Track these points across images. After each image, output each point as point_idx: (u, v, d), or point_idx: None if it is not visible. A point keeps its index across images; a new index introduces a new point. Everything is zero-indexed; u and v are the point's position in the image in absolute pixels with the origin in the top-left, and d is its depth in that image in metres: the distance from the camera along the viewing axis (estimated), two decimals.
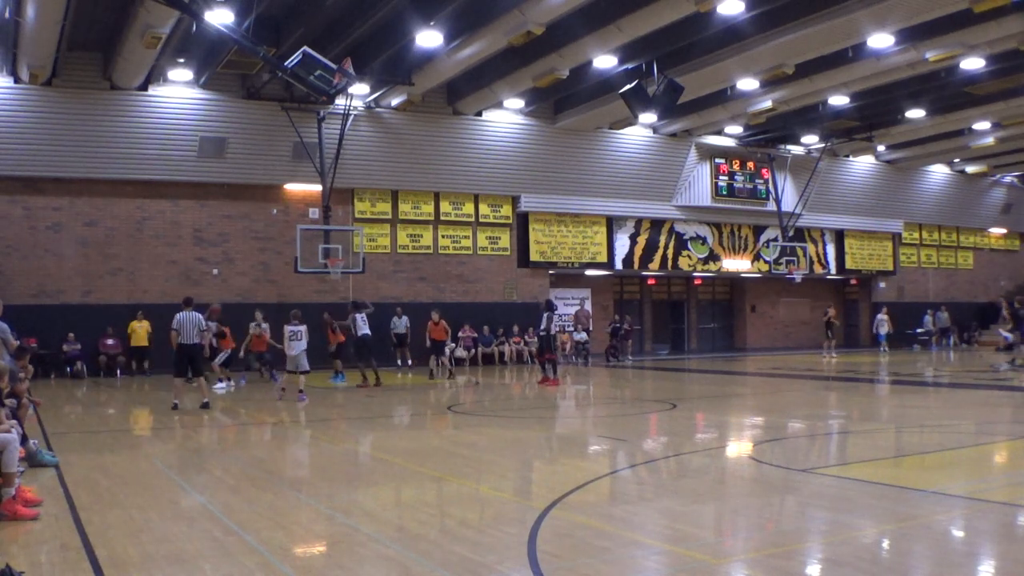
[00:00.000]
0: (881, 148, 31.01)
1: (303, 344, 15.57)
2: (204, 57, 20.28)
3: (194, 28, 16.72)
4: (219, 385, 17.75)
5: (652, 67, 19.18)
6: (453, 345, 25.35)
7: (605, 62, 20.22)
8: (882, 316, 30.74)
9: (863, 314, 35.43)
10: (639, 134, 27.80)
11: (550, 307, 19.37)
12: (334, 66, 12.37)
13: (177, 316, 14.05)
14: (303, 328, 15.74)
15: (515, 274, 27.28)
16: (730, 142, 29.71)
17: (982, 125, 27.41)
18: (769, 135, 29.00)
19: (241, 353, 19.41)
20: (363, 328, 18.28)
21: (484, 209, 26.79)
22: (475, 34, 18.37)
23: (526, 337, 26.59)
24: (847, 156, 32.11)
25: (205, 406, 14.12)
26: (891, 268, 35.22)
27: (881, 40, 18.92)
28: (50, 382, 20.21)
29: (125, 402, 16.92)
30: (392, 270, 25.52)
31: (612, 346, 27.42)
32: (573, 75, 21.37)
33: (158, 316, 22.02)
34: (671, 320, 33.37)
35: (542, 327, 19.28)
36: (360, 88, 22.08)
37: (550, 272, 28.06)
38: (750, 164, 30.32)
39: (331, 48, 18.04)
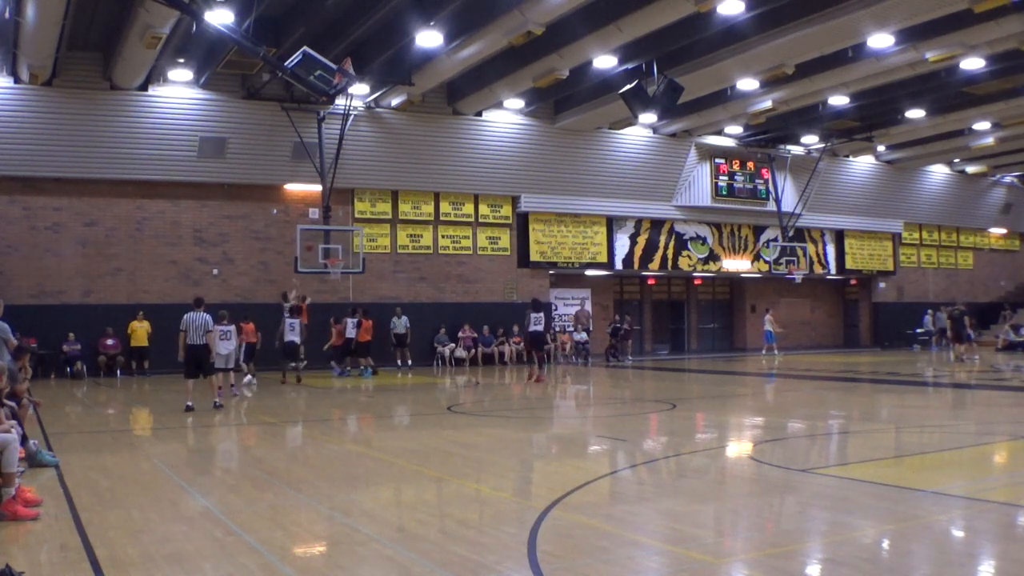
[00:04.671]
0: (881, 148, 30.98)
1: (232, 343, 16.57)
2: (204, 57, 20.28)
3: (194, 28, 16.69)
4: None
5: (652, 67, 19.18)
6: (454, 346, 25.47)
7: (605, 62, 20.21)
8: (768, 317, 30.05)
9: (863, 314, 35.44)
10: (639, 134, 27.79)
11: (538, 307, 19.82)
12: (334, 66, 12.38)
13: (184, 316, 13.96)
14: (232, 328, 16.58)
15: (515, 274, 27.27)
16: (730, 142, 29.70)
17: (982, 125, 27.40)
18: (769, 135, 29.00)
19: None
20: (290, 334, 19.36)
21: (484, 209, 26.78)
22: (475, 34, 18.36)
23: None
24: (847, 156, 32.10)
25: (217, 406, 14.03)
26: (891, 268, 35.21)
27: (881, 40, 18.91)
28: (50, 382, 20.20)
29: (125, 402, 16.93)
30: (392, 270, 25.52)
31: (612, 346, 27.42)
32: (573, 75, 21.37)
33: (158, 316, 22.08)
34: (671, 320, 33.34)
35: (540, 326, 19.65)
36: (360, 88, 22.06)
37: (550, 272, 28.05)
38: (750, 164, 30.31)
39: (331, 48, 18.04)
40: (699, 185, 29.50)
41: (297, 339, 19.39)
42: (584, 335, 26.29)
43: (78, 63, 20.84)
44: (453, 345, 25.65)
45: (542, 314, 19.80)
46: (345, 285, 24.45)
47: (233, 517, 6.40)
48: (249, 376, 19.00)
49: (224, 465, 9.26)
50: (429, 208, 26.02)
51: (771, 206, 30.57)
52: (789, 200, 30.49)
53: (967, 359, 24.22)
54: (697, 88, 21.53)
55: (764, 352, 29.63)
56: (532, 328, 19.59)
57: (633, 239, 29.18)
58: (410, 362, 24.01)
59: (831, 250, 33.62)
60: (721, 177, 29.70)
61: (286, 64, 12.33)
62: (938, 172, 35.05)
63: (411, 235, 25.81)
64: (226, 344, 16.12)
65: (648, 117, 23.44)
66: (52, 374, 21.12)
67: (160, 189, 22.93)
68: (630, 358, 27.88)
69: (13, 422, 7.84)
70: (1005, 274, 39.17)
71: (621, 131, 27.26)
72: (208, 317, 14.01)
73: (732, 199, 30.04)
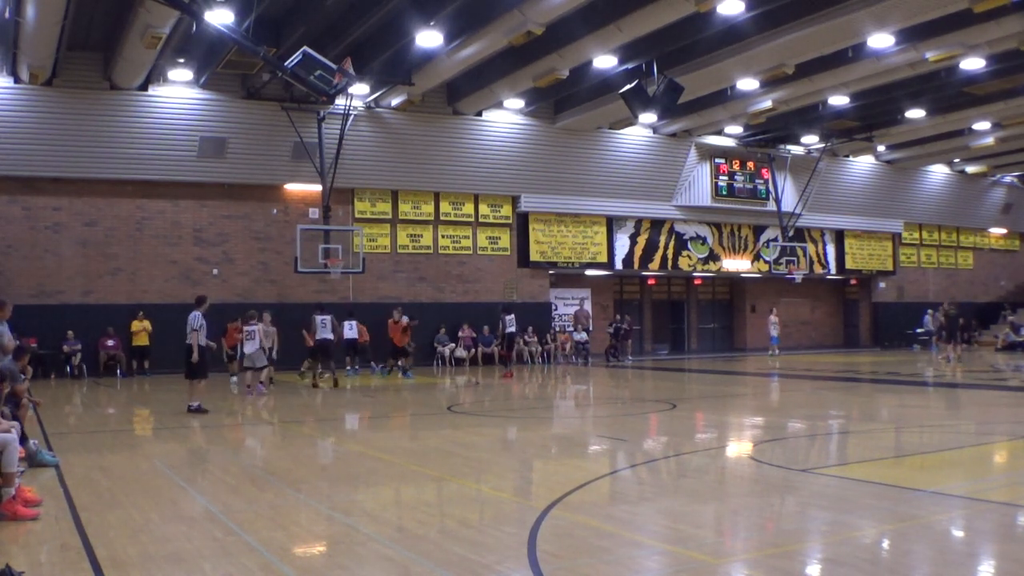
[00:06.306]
0: (881, 148, 30.98)
1: (256, 343, 16.52)
2: (204, 57, 20.28)
3: (194, 28, 16.71)
4: None
5: (652, 67, 19.19)
6: (453, 345, 25.50)
7: (605, 62, 20.21)
8: (773, 318, 30.03)
9: (863, 314, 35.44)
10: (639, 134, 27.79)
11: (509, 310, 22.08)
12: (334, 66, 12.37)
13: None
14: (256, 328, 16.60)
15: (515, 274, 27.27)
16: (730, 142, 29.70)
17: (982, 125, 27.40)
18: (769, 135, 28.99)
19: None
20: (323, 332, 18.61)
21: (484, 209, 26.78)
22: (475, 34, 18.36)
23: (525, 337, 26.56)
24: (847, 156, 32.10)
25: (191, 410, 13.44)
26: (891, 268, 35.21)
27: (881, 40, 18.91)
28: (50, 382, 20.21)
29: (125, 402, 16.93)
30: (392, 270, 25.52)
31: (612, 346, 27.41)
32: (573, 75, 21.36)
33: (158, 316, 22.08)
34: (671, 320, 33.35)
35: (513, 328, 21.95)
36: (360, 88, 22.07)
37: (550, 272, 28.05)
38: (750, 164, 30.31)
39: (331, 48, 18.04)
40: (699, 185, 29.50)
41: (331, 336, 18.48)
42: (584, 335, 26.32)
43: (78, 63, 20.83)
44: (453, 345, 25.65)
45: (513, 316, 21.98)
46: (345, 285, 24.46)
47: (233, 517, 6.40)
48: (235, 377, 18.70)
49: (224, 465, 9.26)
50: (429, 208, 26.02)
51: (771, 206, 30.57)
52: (789, 200, 30.49)
53: (945, 359, 24.15)
54: (697, 88, 21.53)
55: (776, 353, 29.52)
56: (508, 330, 21.71)
57: (633, 239, 29.18)
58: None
59: (831, 250, 33.62)
60: (721, 177, 29.70)
61: (286, 64, 12.32)
62: (938, 172, 35.05)
63: (411, 235, 25.81)
64: (250, 344, 16.44)
65: (648, 117, 23.43)
66: (52, 374, 21.13)
67: (160, 189, 22.93)
68: (630, 358, 27.87)
69: (14, 422, 7.84)
70: (1005, 274, 39.17)
71: (621, 131, 27.26)
72: (194, 315, 13.65)
73: (732, 199, 30.04)
